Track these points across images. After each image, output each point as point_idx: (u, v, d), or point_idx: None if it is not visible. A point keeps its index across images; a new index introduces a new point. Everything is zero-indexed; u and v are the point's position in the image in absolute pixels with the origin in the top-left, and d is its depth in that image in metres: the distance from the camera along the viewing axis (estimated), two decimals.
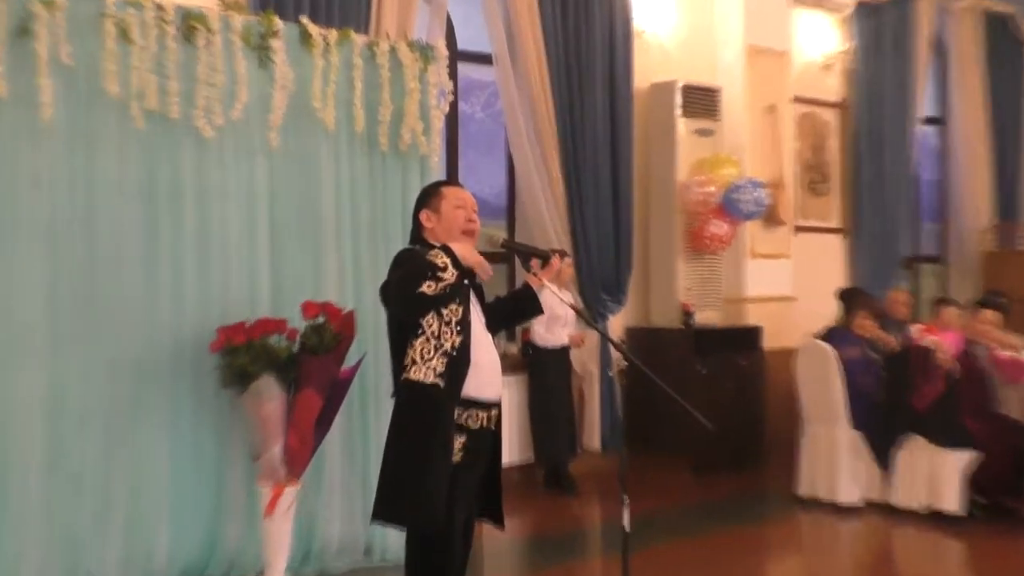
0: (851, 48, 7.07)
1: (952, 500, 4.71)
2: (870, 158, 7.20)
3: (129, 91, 3.57)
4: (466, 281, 2.67)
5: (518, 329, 5.55)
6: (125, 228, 3.62)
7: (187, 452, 3.80)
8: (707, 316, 6.18)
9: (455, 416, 2.60)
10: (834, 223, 7.18)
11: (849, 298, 5.46)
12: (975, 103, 7.77)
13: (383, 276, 2.69)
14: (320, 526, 3.93)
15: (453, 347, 2.58)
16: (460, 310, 2.60)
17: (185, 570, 3.71)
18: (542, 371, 5.35)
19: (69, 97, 3.50)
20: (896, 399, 4.84)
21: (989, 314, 5.00)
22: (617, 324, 6.15)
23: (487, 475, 2.71)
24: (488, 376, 2.67)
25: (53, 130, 3.46)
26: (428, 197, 2.78)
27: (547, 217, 5.61)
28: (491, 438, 2.70)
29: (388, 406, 2.71)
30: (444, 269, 2.47)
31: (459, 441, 2.60)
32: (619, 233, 5.90)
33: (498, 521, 2.72)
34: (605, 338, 3.22)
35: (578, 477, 5.40)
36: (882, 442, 4.97)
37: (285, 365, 3.81)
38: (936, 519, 4.70)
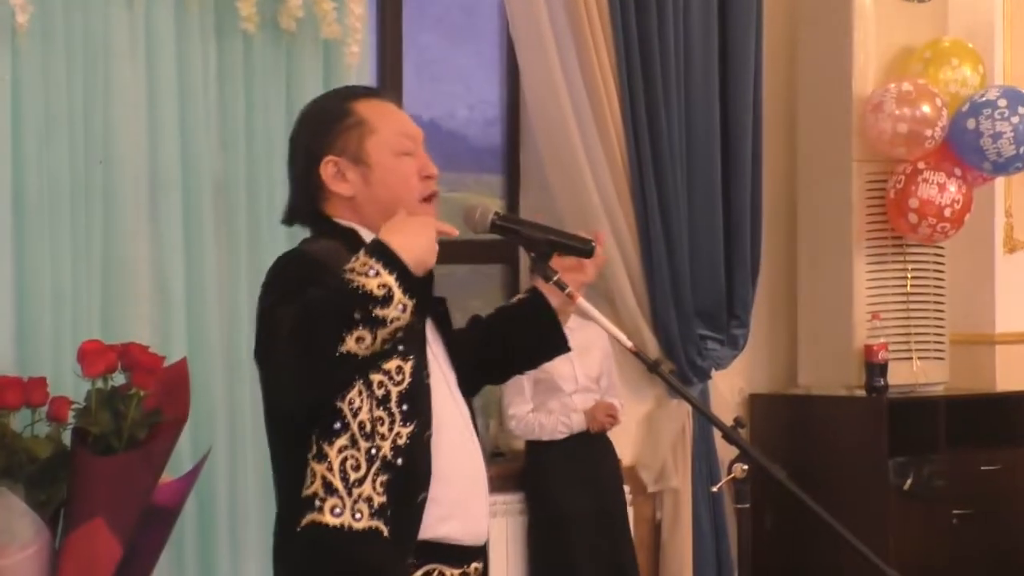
0: None
1: None
2: None
3: None
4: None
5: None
6: None
7: None
8: (916, 372, 6.29)
9: None
10: None
11: None
12: None
13: (252, 286, 2.81)
14: None
15: (398, 449, 2.74)
16: (409, 367, 2.77)
17: None
18: (545, 487, 5.53)
19: None
20: None
21: None
22: (729, 387, 6.26)
23: None
24: (464, 497, 2.84)
25: None
26: (334, 126, 2.89)
27: (585, 173, 5.70)
28: None
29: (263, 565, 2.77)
30: (387, 299, 2.57)
31: None
32: (731, 206, 6.08)
33: None
34: (703, 414, 3.02)
35: None
36: None
37: (44, 473, 3.93)
38: None
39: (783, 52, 6.36)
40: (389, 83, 5.55)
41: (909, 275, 6.25)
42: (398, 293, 2.54)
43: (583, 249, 2.91)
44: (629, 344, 2.88)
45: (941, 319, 6.33)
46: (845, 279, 6.17)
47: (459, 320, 3.02)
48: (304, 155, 2.85)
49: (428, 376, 2.78)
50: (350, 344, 2.54)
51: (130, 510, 3.88)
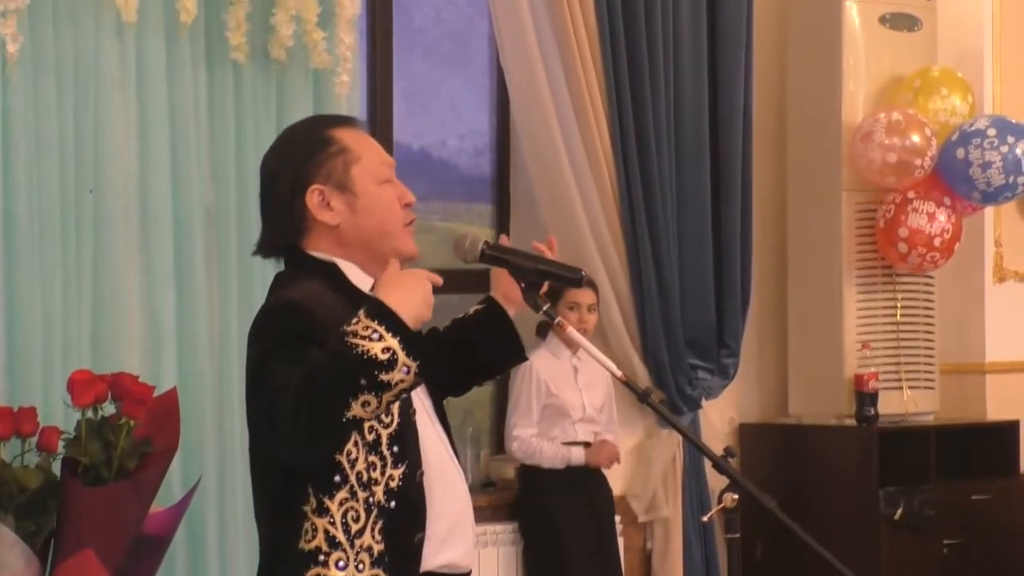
0: None
1: None
2: None
3: None
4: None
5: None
6: None
7: None
8: (906, 401, 6.24)
9: None
10: None
11: None
12: None
13: (242, 316, 2.80)
14: None
15: (391, 492, 2.72)
16: (396, 407, 2.74)
17: None
18: (542, 516, 5.47)
19: None
20: None
21: None
22: (720, 416, 6.22)
23: None
24: (455, 524, 2.82)
25: None
26: (317, 154, 2.84)
27: (575, 202, 5.70)
28: None
29: None
30: (391, 363, 2.53)
31: None
32: (721, 235, 6.06)
33: None
34: (694, 445, 3.24)
35: None
36: None
37: (34, 503, 3.90)
38: None
39: (773, 81, 6.35)
40: (379, 112, 5.53)
41: (899, 304, 6.23)
42: (402, 356, 2.51)
43: (572, 278, 2.92)
44: (619, 373, 2.88)
45: (931, 348, 6.29)
46: (835, 309, 6.14)
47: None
48: (286, 184, 2.79)
49: (414, 412, 2.76)
50: (356, 410, 2.52)
51: (120, 540, 3.85)
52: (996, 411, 6.48)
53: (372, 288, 2.71)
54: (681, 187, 5.90)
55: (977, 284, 6.55)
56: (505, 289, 3.01)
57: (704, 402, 5.98)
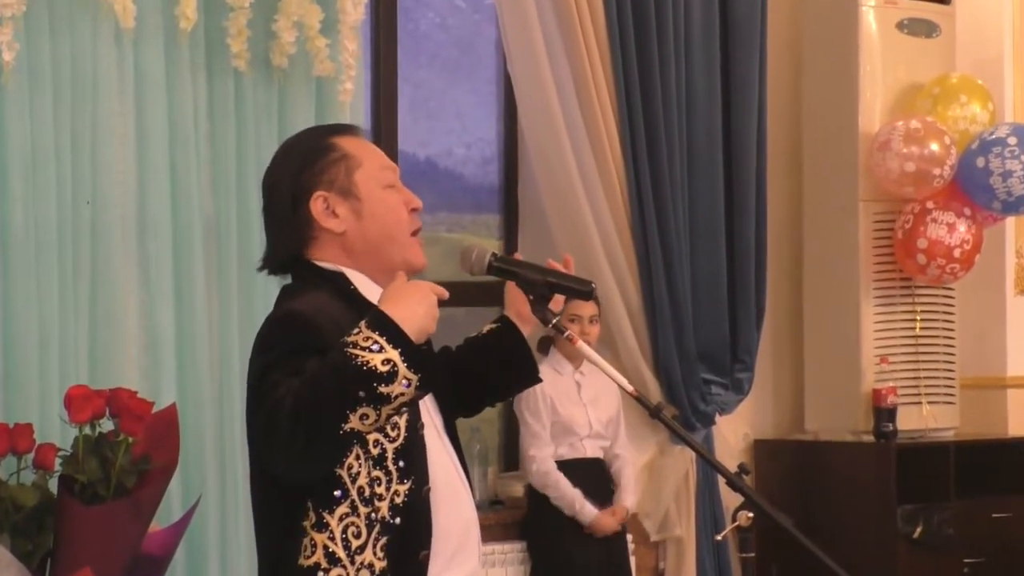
0: None
1: None
2: None
3: None
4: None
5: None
6: None
7: None
8: (926, 417, 6.28)
9: None
10: None
11: None
12: None
13: (244, 329, 2.85)
14: None
15: (396, 509, 2.73)
16: (403, 421, 2.75)
17: None
18: (551, 536, 5.50)
19: None
20: None
21: None
22: (734, 432, 6.24)
23: None
24: (461, 543, 2.83)
25: None
26: (319, 161, 2.87)
27: (585, 212, 5.72)
28: None
29: None
30: (392, 376, 2.54)
31: None
32: (735, 246, 6.08)
33: None
34: (707, 461, 3.18)
35: None
36: None
37: (30, 522, 3.92)
38: None
39: (787, 89, 6.36)
40: (384, 121, 5.55)
41: (918, 317, 6.24)
42: (403, 368, 2.51)
43: (582, 290, 2.92)
44: (630, 388, 2.88)
45: (951, 362, 6.30)
46: (852, 322, 6.16)
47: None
48: (289, 193, 2.82)
49: (422, 427, 2.76)
50: (354, 422, 2.52)
51: (118, 560, 3.85)
52: (1018, 426, 6.49)
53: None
54: (694, 196, 5.92)
55: (998, 296, 6.55)
56: (519, 307, 3.01)
57: (718, 418, 5.99)
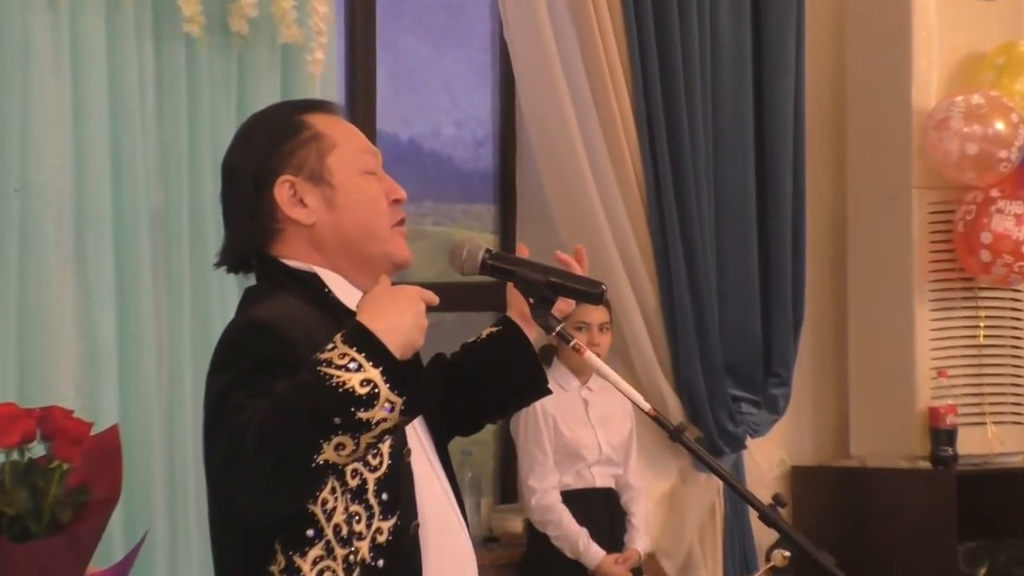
0: None
1: None
2: None
3: None
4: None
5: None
6: None
7: None
8: (991, 439, 6.29)
9: None
10: None
11: None
12: None
13: (197, 338, 2.90)
14: None
15: (379, 549, 2.74)
16: (387, 448, 2.76)
17: None
18: None
19: None
20: None
21: None
22: (768, 458, 6.29)
23: None
24: None
25: None
26: (286, 141, 2.90)
27: (594, 201, 5.73)
28: None
29: None
30: (372, 399, 2.54)
31: None
32: (769, 241, 6.13)
33: None
34: (737, 492, 3.15)
35: None
36: None
37: None
38: None
39: (829, 60, 6.39)
40: (360, 96, 5.55)
41: (981, 324, 6.28)
42: (385, 390, 2.51)
43: (591, 293, 2.93)
44: (647, 407, 2.89)
45: (1020, 376, 6.34)
46: (905, 329, 6.18)
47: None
48: (250, 178, 2.84)
49: (409, 453, 2.77)
50: (329, 453, 2.52)
51: None
52: None
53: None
54: (721, 184, 5.94)
55: None
56: (524, 308, 3.01)
57: (748, 441, 6.01)
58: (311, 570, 2.68)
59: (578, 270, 3.00)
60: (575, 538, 5.39)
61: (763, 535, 5.78)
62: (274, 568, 2.68)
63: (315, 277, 2.80)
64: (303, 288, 2.79)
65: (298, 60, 4.63)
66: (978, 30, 6.25)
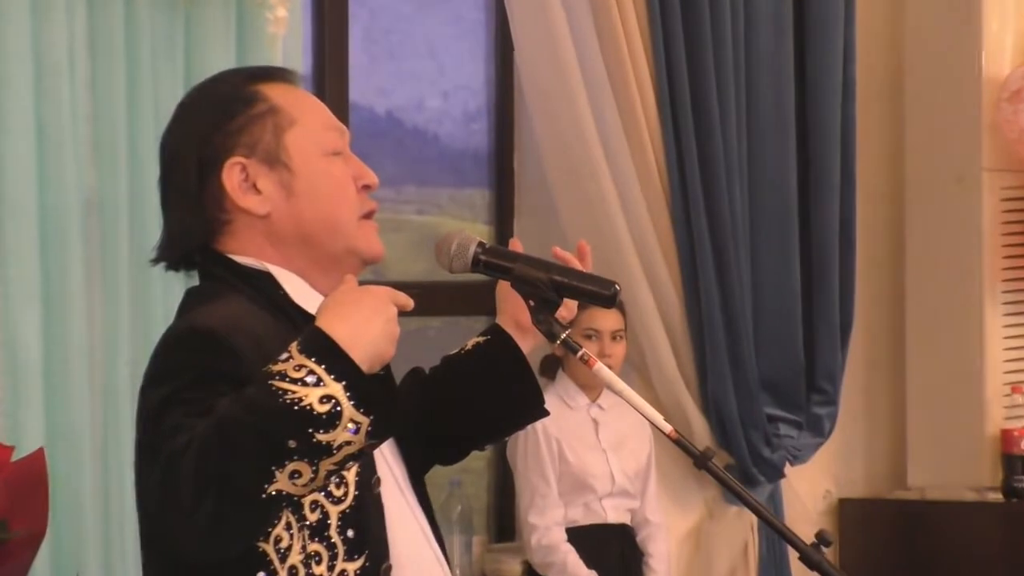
0: None
1: None
2: None
3: None
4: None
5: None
6: None
7: None
8: None
9: None
10: None
11: None
12: None
13: (136, 346, 3.09)
14: None
15: None
16: (352, 476, 2.82)
17: None
18: None
19: None
20: None
21: None
22: (811, 489, 6.34)
23: None
24: None
25: None
26: (236, 116, 2.94)
27: (606, 188, 5.81)
28: None
29: None
30: (332, 418, 2.56)
31: None
32: (812, 238, 6.23)
33: None
34: (774, 528, 3.19)
35: None
36: None
37: None
38: None
39: (883, 25, 6.46)
40: (329, 62, 5.60)
41: None
42: (348, 408, 2.51)
43: (601, 294, 2.94)
44: (668, 428, 2.89)
45: None
46: (973, 337, 6.25)
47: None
48: (194, 160, 2.86)
49: (378, 483, 2.79)
50: (282, 482, 2.53)
51: None
52: None
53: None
54: (756, 169, 5.99)
55: None
56: (517, 314, 3.04)
57: (788, 469, 6.05)
58: None
59: (579, 267, 3.01)
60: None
61: None
62: None
63: (268, 277, 2.82)
64: (254, 289, 2.81)
65: (256, 18, 4.67)
66: None
